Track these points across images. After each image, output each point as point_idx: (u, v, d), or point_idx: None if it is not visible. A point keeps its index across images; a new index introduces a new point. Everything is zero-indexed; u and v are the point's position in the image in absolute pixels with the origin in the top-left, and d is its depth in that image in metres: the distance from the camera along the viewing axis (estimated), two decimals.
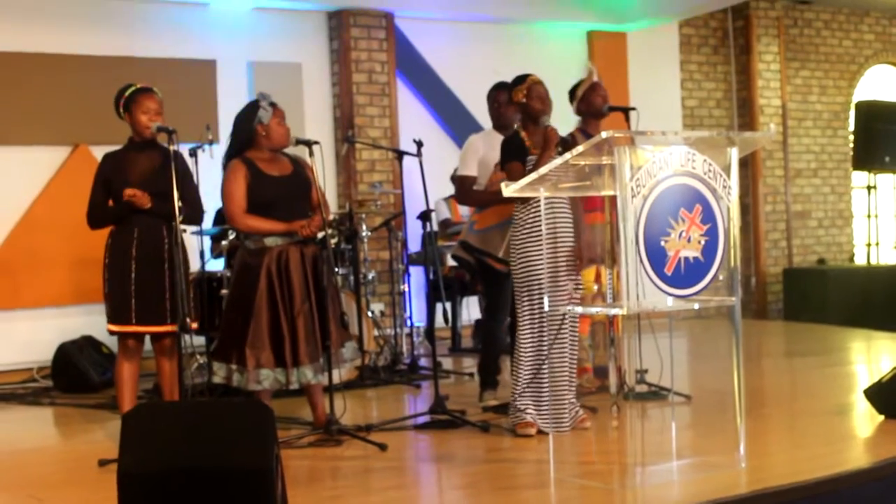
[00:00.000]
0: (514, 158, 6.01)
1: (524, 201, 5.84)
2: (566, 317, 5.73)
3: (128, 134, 6.02)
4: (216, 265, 7.87)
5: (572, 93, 7.05)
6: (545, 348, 5.75)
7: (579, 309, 5.57)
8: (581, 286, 5.96)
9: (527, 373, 5.81)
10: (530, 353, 5.81)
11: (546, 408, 5.84)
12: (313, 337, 5.84)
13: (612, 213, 4.84)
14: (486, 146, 6.77)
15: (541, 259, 5.72)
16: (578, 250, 5.86)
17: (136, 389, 6.07)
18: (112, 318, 5.92)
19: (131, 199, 5.79)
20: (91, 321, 8.45)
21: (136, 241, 5.88)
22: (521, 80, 6.19)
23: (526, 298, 5.84)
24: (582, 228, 5.96)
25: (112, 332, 5.97)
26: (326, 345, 5.80)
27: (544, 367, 5.76)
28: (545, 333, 5.75)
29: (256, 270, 5.82)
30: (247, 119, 5.95)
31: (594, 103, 6.90)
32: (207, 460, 4.00)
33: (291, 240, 5.87)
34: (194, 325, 5.74)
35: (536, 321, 5.80)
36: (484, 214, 6.68)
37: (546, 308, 5.56)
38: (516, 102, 6.17)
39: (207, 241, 7.77)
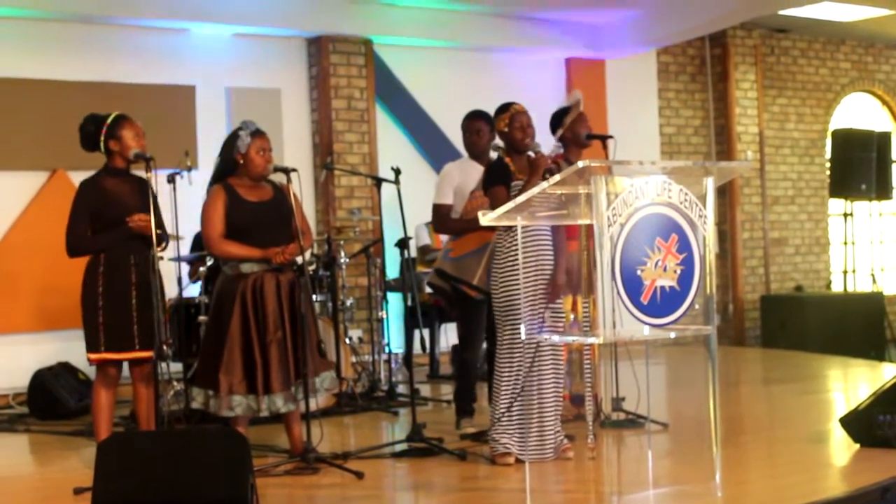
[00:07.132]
0: (499, 183, 5.93)
1: (507, 228, 5.76)
2: (547, 345, 5.71)
3: (103, 160, 6.00)
4: (193, 291, 7.85)
5: (556, 119, 7.03)
6: (524, 377, 5.72)
7: (556, 338, 5.56)
8: (562, 314, 5.94)
9: (505, 402, 5.76)
10: (510, 382, 5.75)
11: (526, 436, 5.78)
12: (286, 365, 5.83)
13: (588, 241, 4.85)
14: (462, 174, 6.79)
15: (519, 287, 5.70)
16: (555, 279, 5.81)
17: (112, 417, 6.03)
18: (107, 345, 5.79)
19: (141, 225, 5.75)
20: (67, 347, 8.41)
21: (135, 268, 5.85)
22: (504, 108, 6.08)
23: (508, 327, 5.77)
24: (562, 256, 5.93)
25: (98, 360, 5.83)
26: (304, 373, 5.78)
27: (522, 395, 5.73)
28: (525, 362, 5.72)
29: (232, 296, 5.81)
30: (228, 146, 5.96)
31: (579, 133, 6.90)
32: (181, 490, 3.99)
33: (267, 266, 5.86)
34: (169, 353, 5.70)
35: (517, 350, 5.73)
36: (459, 242, 6.69)
37: (523, 336, 5.54)
38: (498, 131, 6.11)
39: (185, 267, 7.76)
